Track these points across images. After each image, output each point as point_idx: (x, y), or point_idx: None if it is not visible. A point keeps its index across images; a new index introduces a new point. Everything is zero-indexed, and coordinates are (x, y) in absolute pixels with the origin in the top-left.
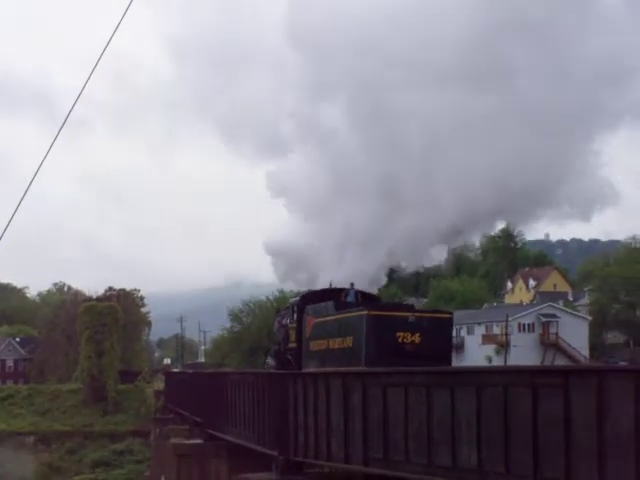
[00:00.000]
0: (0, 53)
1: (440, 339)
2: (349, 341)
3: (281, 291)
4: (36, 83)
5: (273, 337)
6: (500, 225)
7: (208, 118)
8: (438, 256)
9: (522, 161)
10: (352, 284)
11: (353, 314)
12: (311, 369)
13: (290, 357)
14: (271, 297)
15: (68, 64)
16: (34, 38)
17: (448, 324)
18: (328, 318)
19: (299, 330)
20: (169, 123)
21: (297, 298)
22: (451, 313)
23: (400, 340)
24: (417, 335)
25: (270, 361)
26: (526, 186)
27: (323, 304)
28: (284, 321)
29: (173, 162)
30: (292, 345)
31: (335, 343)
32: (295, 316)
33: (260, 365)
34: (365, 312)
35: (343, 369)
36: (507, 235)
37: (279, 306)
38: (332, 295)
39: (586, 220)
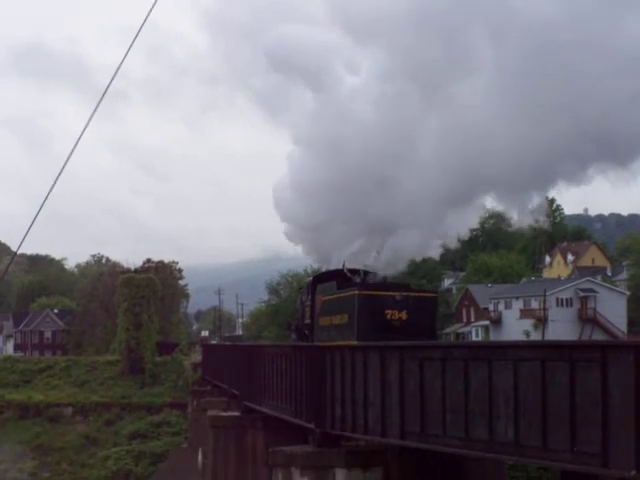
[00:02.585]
0: (34, 24)
1: (425, 316)
2: (345, 317)
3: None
4: (71, 54)
5: (295, 313)
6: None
7: (247, 91)
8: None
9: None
10: (343, 264)
11: (347, 293)
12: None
13: (307, 332)
14: (309, 270)
15: (102, 35)
16: (67, 8)
17: (433, 302)
18: (331, 297)
19: (312, 307)
20: (206, 96)
21: (310, 278)
22: (436, 293)
23: (388, 317)
24: (404, 312)
25: (292, 335)
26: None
27: (328, 284)
28: (302, 298)
29: (211, 134)
30: (307, 321)
31: (336, 319)
32: (309, 294)
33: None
34: (357, 292)
35: (370, 343)
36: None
37: None
38: (339, 275)
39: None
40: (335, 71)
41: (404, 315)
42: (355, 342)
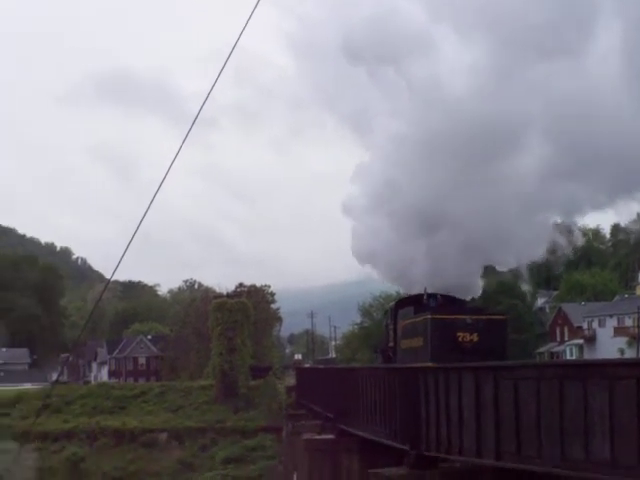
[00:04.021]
0: (122, 53)
1: (495, 338)
2: (420, 340)
3: None
4: (159, 83)
5: (382, 336)
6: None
7: (334, 113)
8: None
9: None
10: (425, 289)
11: (421, 318)
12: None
13: (391, 354)
14: (401, 291)
15: (189, 63)
16: (156, 37)
17: (502, 324)
18: (408, 321)
19: (395, 330)
20: (294, 119)
21: (393, 303)
22: (505, 315)
23: (460, 339)
24: (475, 334)
25: (378, 357)
26: None
27: (407, 308)
28: (387, 322)
29: (299, 158)
30: (391, 344)
31: (413, 342)
32: (392, 318)
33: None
34: (429, 316)
35: (466, 364)
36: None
37: None
38: (417, 300)
39: None
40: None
41: (475, 337)
42: (430, 364)
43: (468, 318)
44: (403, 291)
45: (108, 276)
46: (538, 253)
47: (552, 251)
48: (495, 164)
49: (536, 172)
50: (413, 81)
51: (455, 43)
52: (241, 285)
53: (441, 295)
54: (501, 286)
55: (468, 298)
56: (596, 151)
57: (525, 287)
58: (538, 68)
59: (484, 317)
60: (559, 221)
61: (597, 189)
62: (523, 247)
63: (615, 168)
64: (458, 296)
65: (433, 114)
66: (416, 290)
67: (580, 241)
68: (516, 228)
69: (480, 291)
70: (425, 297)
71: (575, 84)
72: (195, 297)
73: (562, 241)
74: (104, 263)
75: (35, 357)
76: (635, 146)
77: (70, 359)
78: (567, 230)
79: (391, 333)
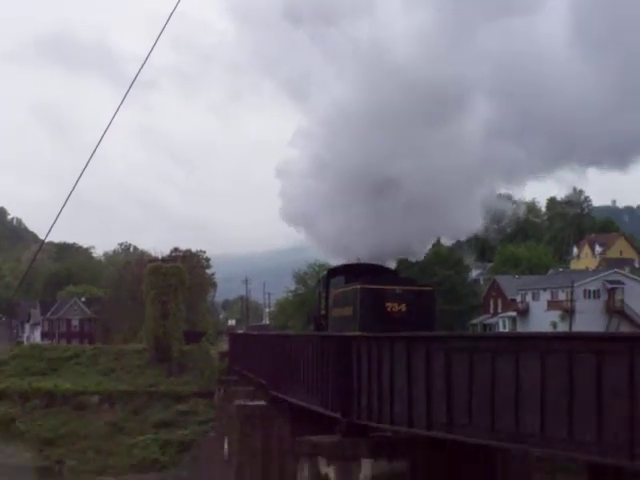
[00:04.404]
0: (61, 12)
1: (423, 309)
2: (350, 310)
3: None
4: (100, 44)
5: (315, 304)
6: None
7: (273, 79)
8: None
9: None
10: (358, 259)
11: (351, 287)
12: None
13: (323, 322)
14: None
15: (130, 25)
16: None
17: (431, 296)
18: (339, 290)
19: (327, 299)
20: (233, 84)
21: (326, 272)
22: (433, 287)
23: (389, 309)
24: (403, 305)
25: (311, 325)
26: None
27: (339, 277)
28: (319, 290)
29: (238, 124)
30: (323, 312)
31: (343, 311)
32: (325, 287)
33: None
34: (359, 286)
35: (400, 334)
36: (573, 201)
37: None
38: (348, 269)
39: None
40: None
41: (404, 307)
42: (358, 333)
43: (397, 289)
44: (338, 259)
45: (43, 237)
46: (479, 223)
47: (494, 221)
48: (440, 128)
49: (480, 135)
50: (357, 44)
51: (400, 6)
52: (176, 250)
53: (373, 265)
54: (437, 257)
55: (414, 260)
56: (540, 115)
57: (469, 260)
58: (484, 31)
59: (413, 288)
60: (501, 191)
61: (539, 156)
62: (464, 216)
63: (557, 134)
64: (398, 261)
65: (377, 77)
66: (351, 258)
67: (522, 211)
68: (458, 195)
69: (423, 256)
70: (356, 266)
71: (521, 47)
72: (130, 260)
73: (506, 208)
74: (39, 224)
75: None
76: (577, 112)
77: (3, 319)
78: (508, 199)
79: (323, 301)
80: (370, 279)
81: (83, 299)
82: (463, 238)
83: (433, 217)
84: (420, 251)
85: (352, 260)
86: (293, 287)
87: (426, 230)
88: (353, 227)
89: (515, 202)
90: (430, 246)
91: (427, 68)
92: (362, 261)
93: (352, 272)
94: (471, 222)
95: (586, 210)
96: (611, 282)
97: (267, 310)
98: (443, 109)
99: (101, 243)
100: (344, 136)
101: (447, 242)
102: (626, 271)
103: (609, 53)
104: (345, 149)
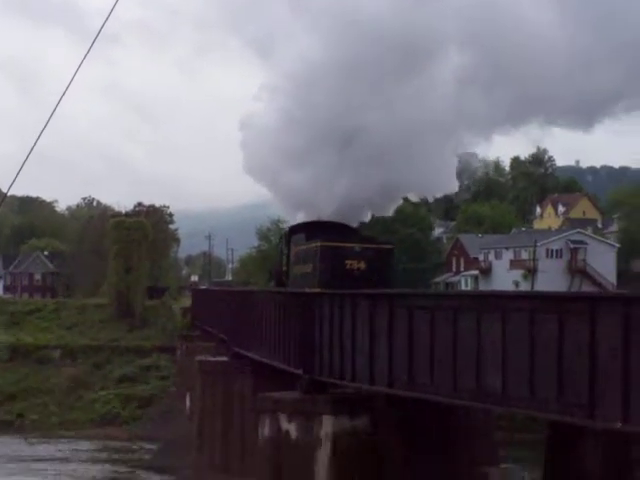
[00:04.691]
0: None
1: (383, 266)
2: (310, 267)
3: None
4: None
5: (276, 261)
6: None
7: (240, 35)
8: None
9: None
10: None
11: (312, 245)
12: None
13: (284, 278)
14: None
15: None
16: None
17: (390, 253)
18: (300, 247)
19: (288, 256)
20: (199, 40)
21: (287, 229)
22: (393, 244)
23: (348, 267)
24: (362, 262)
25: (272, 282)
26: None
27: (300, 235)
28: (281, 247)
29: (204, 79)
30: (284, 269)
31: (304, 268)
32: (286, 244)
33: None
34: (319, 243)
35: (362, 291)
36: (537, 160)
37: None
38: (309, 226)
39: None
40: None
41: (363, 265)
42: (318, 290)
43: (357, 246)
44: (300, 216)
45: (5, 190)
46: (455, 185)
47: (461, 179)
48: (410, 79)
49: (450, 87)
50: None
51: None
52: (140, 205)
53: (333, 223)
54: (400, 214)
55: (387, 214)
56: (510, 69)
57: (432, 219)
58: None
59: (372, 246)
60: (468, 148)
61: (507, 109)
62: (434, 173)
63: (526, 89)
64: (365, 216)
65: (345, 29)
66: (314, 215)
67: (491, 169)
68: (428, 149)
69: (391, 212)
70: (317, 224)
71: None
72: (93, 215)
73: (474, 162)
74: (2, 178)
75: None
76: (546, 69)
77: None
78: (473, 157)
79: (284, 258)
80: (330, 237)
81: (46, 253)
82: (437, 195)
83: (402, 171)
84: (387, 207)
85: (314, 218)
86: (256, 244)
87: (394, 184)
88: (319, 180)
89: (480, 160)
90: (400, 203)
91: (396, 19)
92: (323, 219)
93: (313, 229)
94: (444, 182)
95: (550, 170)
96: (574, 242)
97: (230, 266)
98: (413, 61)
99: (64, 197)
100: (312, 89)
101: (415, 199)
102: (589, 231)
103: (580, 12)
104: (313, 102)
